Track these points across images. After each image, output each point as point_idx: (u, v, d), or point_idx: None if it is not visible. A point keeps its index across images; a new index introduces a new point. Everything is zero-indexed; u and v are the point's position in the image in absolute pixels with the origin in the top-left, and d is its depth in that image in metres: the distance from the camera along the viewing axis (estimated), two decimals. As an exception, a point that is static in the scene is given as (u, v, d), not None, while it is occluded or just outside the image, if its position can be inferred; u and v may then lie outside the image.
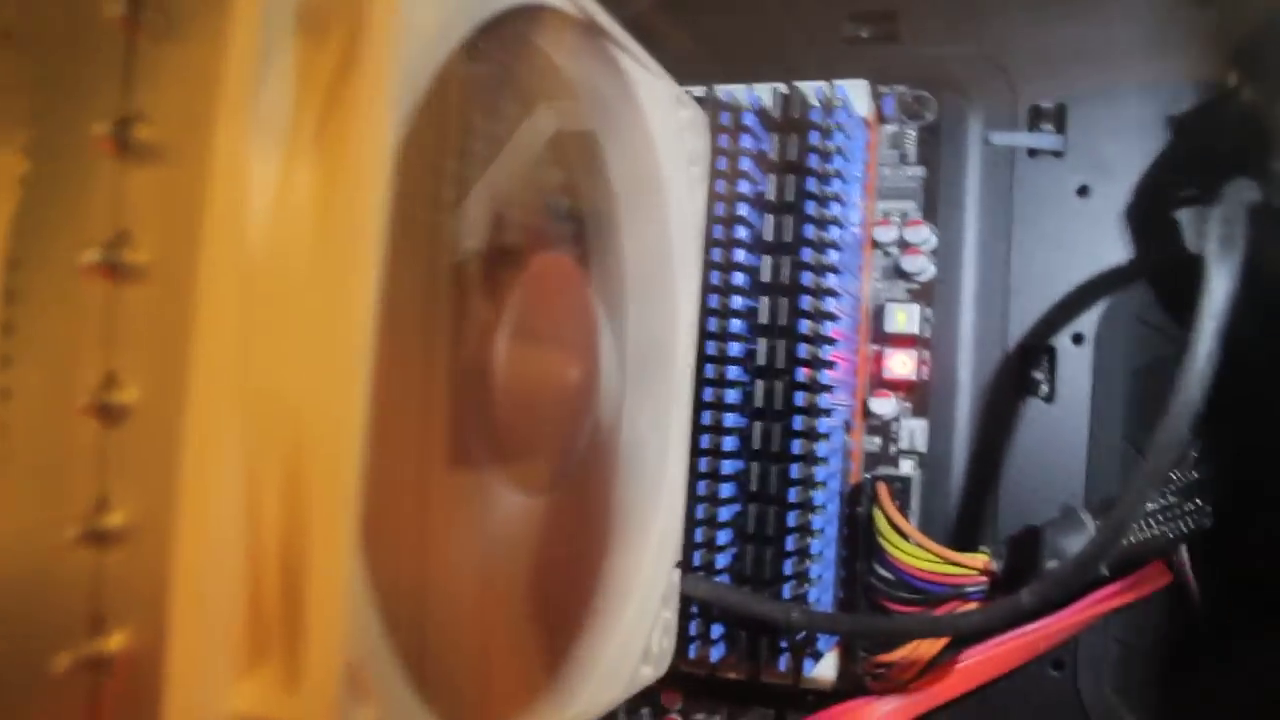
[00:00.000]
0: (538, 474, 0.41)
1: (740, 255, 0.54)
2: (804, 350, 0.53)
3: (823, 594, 0.55)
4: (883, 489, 0.56)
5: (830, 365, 0.54)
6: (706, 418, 0.53)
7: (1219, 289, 0.42)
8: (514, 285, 0.39)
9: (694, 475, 0.53)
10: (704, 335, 0.53)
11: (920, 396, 0.59)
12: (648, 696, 0.62)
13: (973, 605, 0.53)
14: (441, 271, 0.36)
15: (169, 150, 0.31)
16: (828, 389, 0.54)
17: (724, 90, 0.56)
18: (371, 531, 0.29)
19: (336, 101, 0.30)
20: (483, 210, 0.41)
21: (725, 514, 0.54)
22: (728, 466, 0.54)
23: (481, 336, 0.38)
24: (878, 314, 0.59)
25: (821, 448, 0.54)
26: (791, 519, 0.53)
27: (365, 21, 0.29)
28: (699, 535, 0.54)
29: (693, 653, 0.55)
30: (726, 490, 0.54)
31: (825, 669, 0.57)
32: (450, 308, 0.37)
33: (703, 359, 0.53)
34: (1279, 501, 0.52)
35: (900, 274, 0.60)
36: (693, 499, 0.53)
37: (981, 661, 0.54)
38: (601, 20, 0.44)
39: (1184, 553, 0.54)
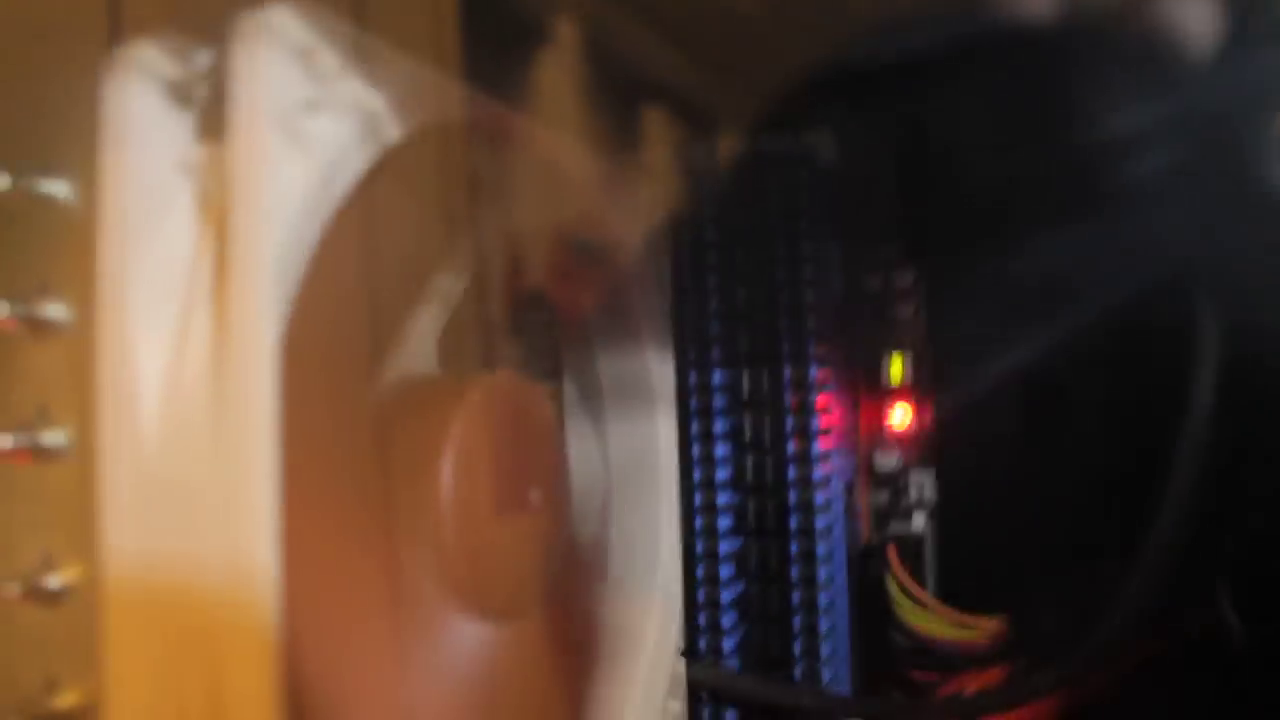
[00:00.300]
0: (506, 601, 0.42)
1: (714, 326, 0.54)
2: (791, 422, 0.53)
3: (838, 669, 0.55)
4: (893, 553, 0.56)
5: (823, 433, 0.54)
6: (698, 498, 0.54)
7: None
8: (460, 410, 0.39)
9: (690, 558, 0.53)
10: (685, 412, 0.53)
11: (927, 445, 0.59)
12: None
13: (995, 671, 0.53)
14: (361, 414, 0.37)
15: (72, 323, 0.32)
16: (821, 459, 0.54)
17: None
18: (304, 704, 0.30)
19: (228, 262, 0.30)
20: (428, 332, 0.41)
21: (727, 595, 0.54)
22: (724, 546, 0.54)
23: (426, 468, 0.38)
24: (873, 365, 0.59)
25: (820, 520, 0.54)
26: (795, 597, 0.53)
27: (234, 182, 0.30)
28: (702, 620, 0.54)
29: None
30: (725, 571, 0.54)
31: (849, 745, 0.57)
32: (387, 444, 0.37)
33: (687, 437, 0.53)
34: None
35: (892, 321, 0.59)
36: (692, 582, 0.54)
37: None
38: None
39: (1223, 591, 0.53)
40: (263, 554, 0.30)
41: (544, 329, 0.48)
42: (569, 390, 0.50)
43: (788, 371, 0.53)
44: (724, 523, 0.54)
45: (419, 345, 0.42)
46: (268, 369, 0.30)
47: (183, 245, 0.31)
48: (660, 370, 0.52)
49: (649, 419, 0.52)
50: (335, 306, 0.35)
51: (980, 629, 0.54)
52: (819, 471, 0.54)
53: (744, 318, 0.54)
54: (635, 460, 0.51)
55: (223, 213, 0.30)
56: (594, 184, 0.48)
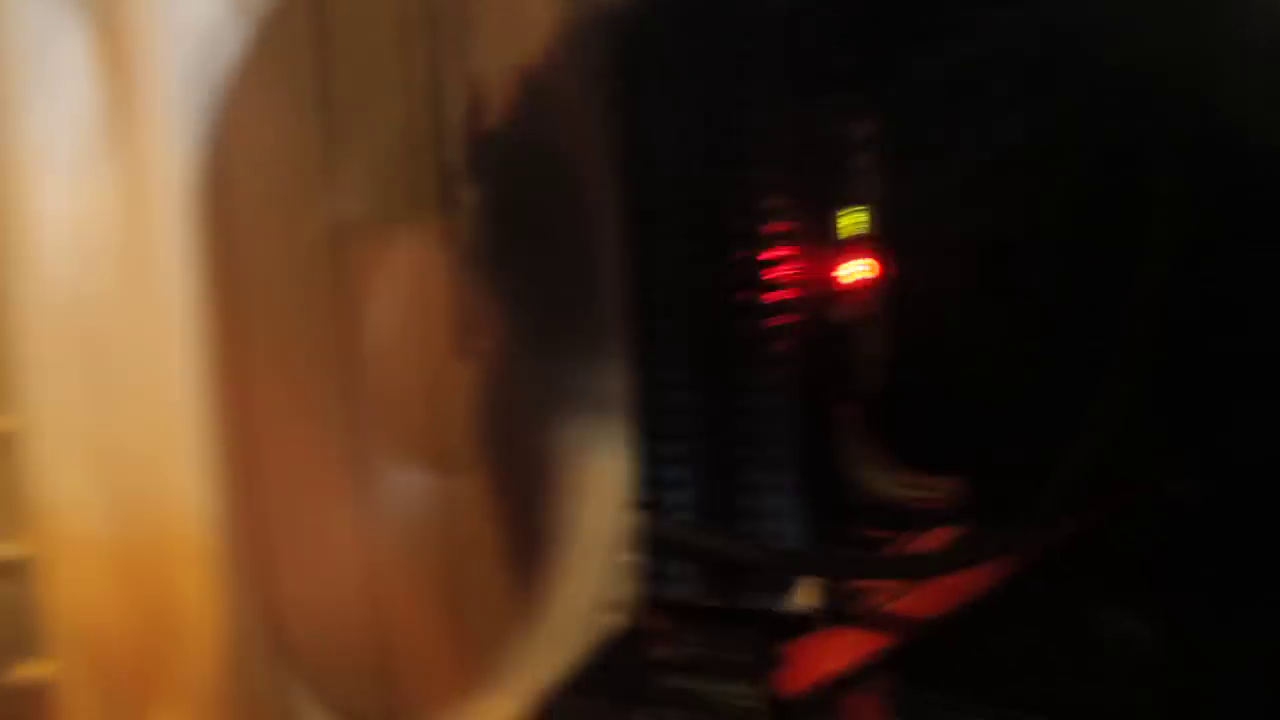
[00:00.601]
0: (446, 449, 0.42)
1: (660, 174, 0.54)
2: (738, 274, 0.53)
3: (788, 524, 0.56)
4: (849, 410, 0.57)
5: (773, 286, 0.54)
6: (645, 349, 0.54)
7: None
8: (391, 261, 0.39)
9: (639, 410, 0.54)
10: (629, 261, 0.53)
11: (885, 301, 0.59)
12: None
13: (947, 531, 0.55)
14: (306, 251, 0.36)
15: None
16: (772, 312, 0.54)
17: None
18: (247, 555, 0.30)
19: (129, 96, 0.30)
20: (362, 169, 0.41)
21: (676, 449, 0.55)
22: (673, 399, 0.54)
23: (358, 318, 0.38)
24: (829, 217, 0.59)
25: (770, 374, 0.54)
26: (744, 451, 0.54)
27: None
28: (652, 473, 0.55)
29: (669, 587, 0.57)
30: (675, 424, 0.54)
31: (801, 597, 0.58)
32: (317, 290, 0.37)
33: (631, 287, 0.53)
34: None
35: (850, 172, 0.59)
36: (641, 435, 0.54)
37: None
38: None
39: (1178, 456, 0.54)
40: (190, 405, 0.30)
41: (500, 168, 0.48)
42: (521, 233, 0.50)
43: (734, 222, 0.53)
44: (672, 375, 0.54)
45: (354, 185, 0.41)
46: (184, 209, 0.30)
47: (77, 80, 0.30)
48: (603, 213, 0.52)
49: (594, 263, 0.52)
50: (261, 142, 0.34)
51: (934, 489, 0.55)
52: (769, 325, 0.54)
53: (689, 167, 0.53)
54: (582, 307, 0.51)
55: (121, 41, 0.29)
56: (555, 21, 0.47)
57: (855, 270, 0.58)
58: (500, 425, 0.46)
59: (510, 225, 0.48)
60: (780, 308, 0.55)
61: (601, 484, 0.52)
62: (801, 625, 0.58)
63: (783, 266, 0.55)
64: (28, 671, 0.31)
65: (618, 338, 0.52)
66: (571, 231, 0.51)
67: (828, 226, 0.59)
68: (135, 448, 0.30)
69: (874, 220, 0.58)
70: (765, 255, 0.54)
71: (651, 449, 0.54)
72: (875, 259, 0.59)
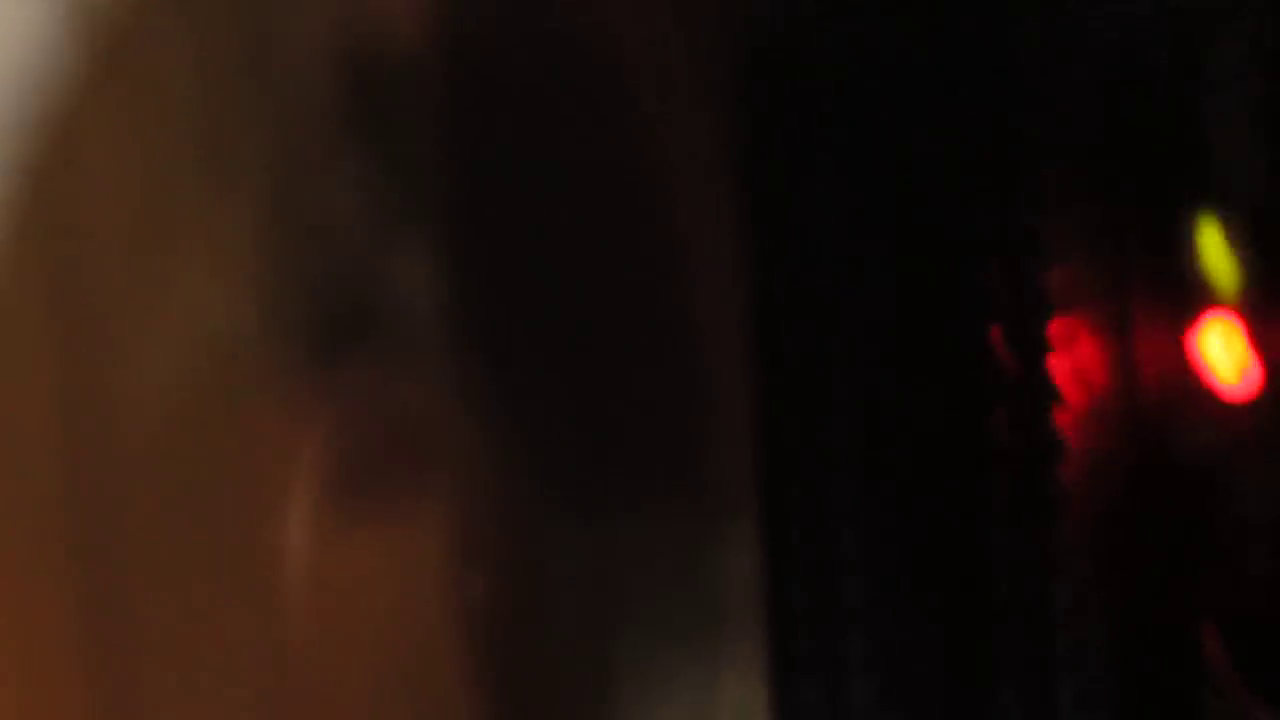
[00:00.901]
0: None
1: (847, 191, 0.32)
2: (1000, 381, 0.29)
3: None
4: (1213, 633, 0.32)
5: (1062, 399, 0.30)
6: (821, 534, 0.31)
7: None
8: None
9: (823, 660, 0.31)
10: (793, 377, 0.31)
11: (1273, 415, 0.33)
12: None
13: None
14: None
15: None
16: (1064, 449, 0.30)
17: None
18: None
19: None
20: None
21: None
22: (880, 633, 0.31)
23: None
24: (1165, 254, 0.33)
25: (1058, 578, 0.30)
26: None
27: None
28: None
29: None
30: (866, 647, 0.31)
31: None
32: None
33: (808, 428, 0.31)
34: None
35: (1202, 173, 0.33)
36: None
37: None
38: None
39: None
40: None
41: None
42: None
43: (992, 274, 0.30)
44: (867, 590, 0.31)
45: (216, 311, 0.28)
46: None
47: None
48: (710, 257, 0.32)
49: (694, 371, 0.33)
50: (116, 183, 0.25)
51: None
52: (1057, 478, 0.30)
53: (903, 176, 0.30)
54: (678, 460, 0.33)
55: None
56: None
57: (1222, 353, 0.32)
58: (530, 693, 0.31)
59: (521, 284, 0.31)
60: (1080, 442, 0.30)
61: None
62: None
63: (1078, 362, 0.30)
64: None
65: (745, 516, 0.32)
66: (646, 297, 0.33)
67: (1165, 272, 0.32)
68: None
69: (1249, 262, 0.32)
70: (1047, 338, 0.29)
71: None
72: (1260, 331, 0.32)
